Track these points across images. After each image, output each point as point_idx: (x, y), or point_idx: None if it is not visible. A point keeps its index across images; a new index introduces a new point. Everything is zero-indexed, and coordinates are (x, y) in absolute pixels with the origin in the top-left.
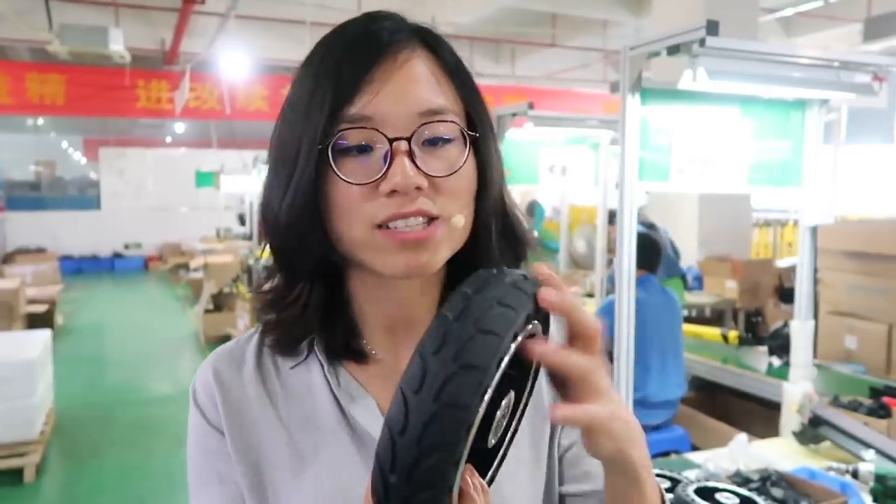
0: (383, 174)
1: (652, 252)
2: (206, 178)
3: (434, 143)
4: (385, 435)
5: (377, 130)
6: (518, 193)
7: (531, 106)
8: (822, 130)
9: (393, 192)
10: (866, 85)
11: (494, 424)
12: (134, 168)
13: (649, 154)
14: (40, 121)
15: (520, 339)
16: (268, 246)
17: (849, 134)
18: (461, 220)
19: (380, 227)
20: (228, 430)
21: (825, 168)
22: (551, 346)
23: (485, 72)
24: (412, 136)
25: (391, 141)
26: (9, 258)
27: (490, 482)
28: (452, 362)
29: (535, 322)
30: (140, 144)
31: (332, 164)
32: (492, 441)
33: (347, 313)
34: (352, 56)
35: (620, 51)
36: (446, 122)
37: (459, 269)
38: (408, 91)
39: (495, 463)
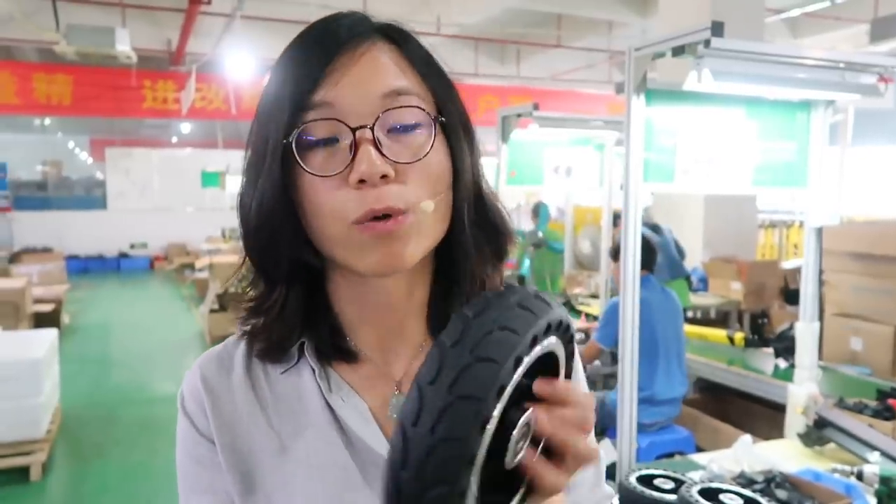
0: (349, 164)
1: (647, 252)
2: (211, 179)
3: (400, 129)
4: (388, 469)
5: (339, 121)
6: (523, 194)
7: (536, 107)
8: (828, 131)
9: (361, 182)
10: (872, 86)
11: (512, 445)
12: (140, 168)
13: (654, 155)
14: (47, 121)
15: (526, 361)
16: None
17: (855, 135)
18: (430, 206)
19: (355, 222)
20: (218, 438)
21: (831, 169)
22: (551, 414)
23: (490, 72)
24: (375, 123)
25: (354, 130)
26: (15, 258)
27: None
28: (448, 393)
29: (552, 339)
30: (146, 144)
31: (297, 157)
32: (514, 462)
33: (330, 315)
34: (312, 51)
35: (625, 52)
36: (410, 107)
37: (442, 266)
38: (368, 77)
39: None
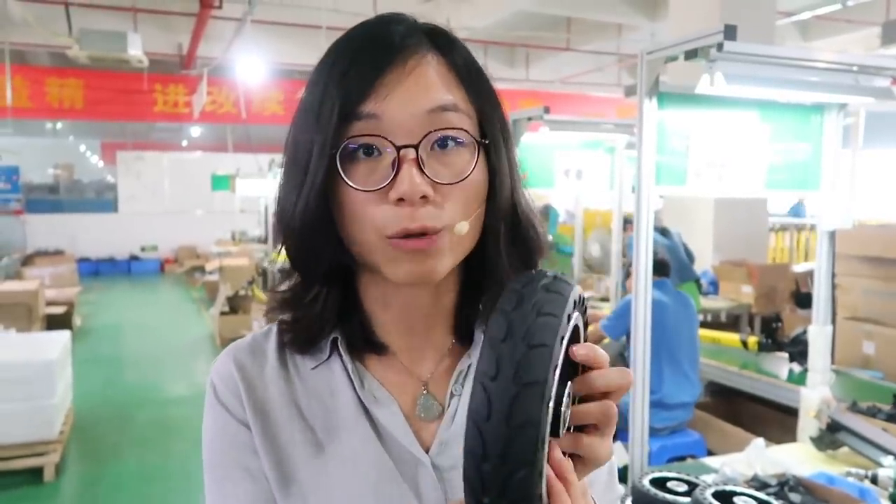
0: (390, 181)
1: (661, 265)
2: (221, 182)
3: (444, 148)
4: (468, 465)
5: (384, 138)
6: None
7: (547, 110)
8: (841, 135)
9: (400, 200)
10: (885, 89)
11: (562, 420)
12: (150, 171)
13: (666, 158)
14: (59, 125)
15: (566, 341)
16: (283, 248)
17: (867, 138)
18: (465, 227)
19: (390, 237)
20: (254, 425)
21: (843, 173)
22: (594, 352)
23: (499, 76)
24: (419, 143)
25: (399, 148)
26: (28, 260)
27: None
28: (513, 384)
29: (577, 313)
30: (157, 148)
31: (341, 171)
32: (562, 432)
33: (361, 313)
34: (362, 60)
35: (637, 55)
36: (457, 129)
37: (470, 274)
38: (418, 94)
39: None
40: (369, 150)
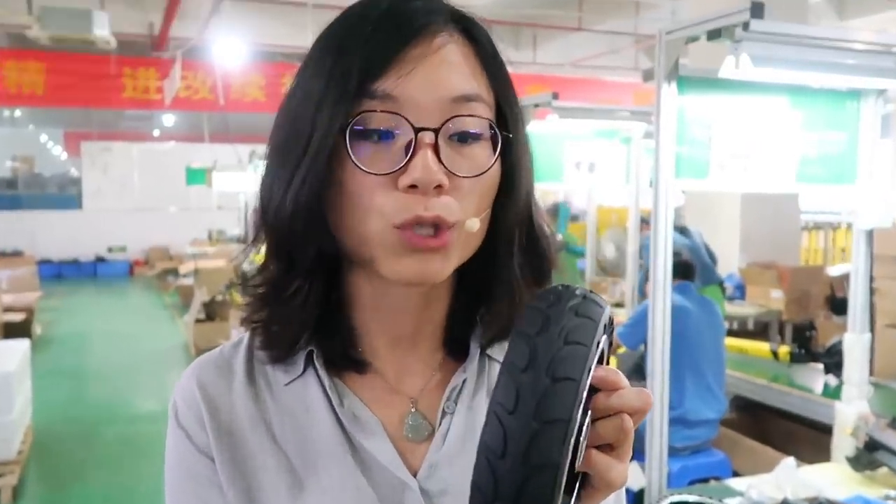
0: (404, 165)
1: (685, 267)
2: (197, 176)
3: (462, 139)
4: (483, 457)
5: (402, 117)
6: (540, 192)
7: (556, 96)
8: (880, 123)
9: (411, 187)
10: None
11: (579, 453)
12: (119, 164)
13: (686, 149)
14: (17, 112)
15: (593, 370)
16: (262, 241)
17: None
18: (476, 224)
19: (398, 226)
20: (218, 453)
21: (882, 165)
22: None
23: (503, 58)
24: (440, 128)
25: (417, 131)
26: None
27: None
28: (534, 420)
29: (604, 337)
30: (125, 138)
31: (349, 149)
32: (578, 464)
33: (346, 318)
34: (382, 33)
35: (655, 35)
36: (481, 118)
37: (472, 281)
38: (441, 77)
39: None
40: (381, 133)
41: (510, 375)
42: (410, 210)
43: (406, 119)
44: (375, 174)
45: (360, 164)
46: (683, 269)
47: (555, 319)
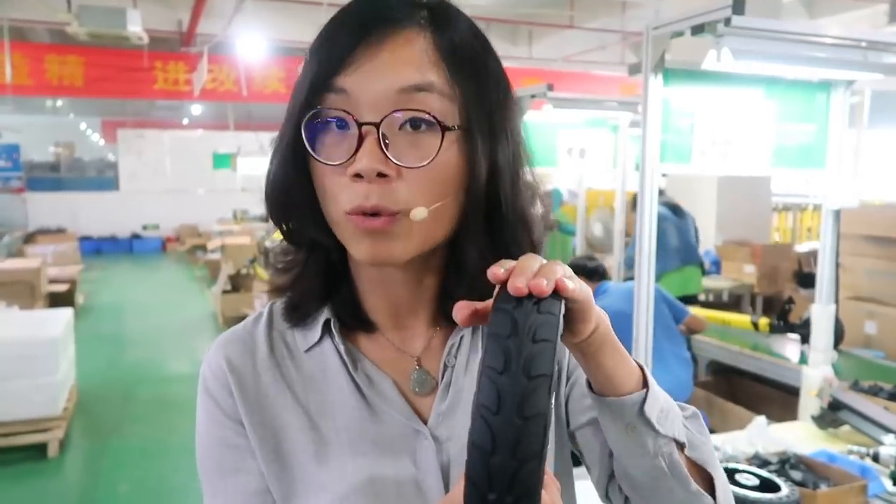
0: (351, 157)
1: (594, 271)
2: (222, 160)
3: (410, 129)
4: (476, 455)
5: (347, 112)
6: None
7: (551, 87)
8: (847, 113)
9: (357, 176)
10: (894, 65)
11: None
12: (151, 150)
13: (671, 136)
14: (59, 102)
15: (562, 328)
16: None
17: (871, 118)
18: (421, 213)
19: (348, 213)
20: (247, 418)
21: (848, 151)
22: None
23: (501, 54)
24: (382, 121)
25: (360, 125)
26: (30, 238)
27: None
28: (517, 418)
29: (562, 322)
30: (157, 126)
31: (306, 140)
32: None
33: (351, 288)
34: (347, 30)
35: (641, 32)
36: (421, 111)
37: (456, 258)
38: (390, 69)
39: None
40: (341, 124)
41: (490, 379)
42: (355, 199)
43: (349, 113)
44: (327, 164)
45: (315, 155)
46: (601, 273)
47: (521, 321)
